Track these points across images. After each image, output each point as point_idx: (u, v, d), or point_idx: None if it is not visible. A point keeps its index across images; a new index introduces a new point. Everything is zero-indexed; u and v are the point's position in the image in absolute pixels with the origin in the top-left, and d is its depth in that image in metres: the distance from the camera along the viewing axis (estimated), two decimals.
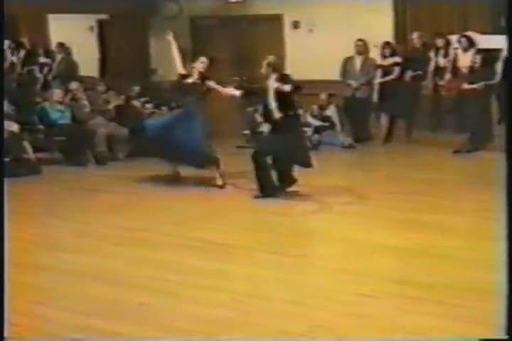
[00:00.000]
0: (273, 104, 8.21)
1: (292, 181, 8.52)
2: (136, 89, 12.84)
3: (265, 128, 9.03)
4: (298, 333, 4.58)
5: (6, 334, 4.05)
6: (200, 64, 9.17)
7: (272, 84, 8.17)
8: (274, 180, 8.43)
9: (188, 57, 9.89)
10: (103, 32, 15.42)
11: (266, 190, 8.35)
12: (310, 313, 4.89)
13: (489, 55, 11.57)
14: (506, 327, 3.70)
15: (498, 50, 11.64)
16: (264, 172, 8.34)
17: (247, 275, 5.76)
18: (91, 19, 15.11)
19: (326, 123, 12.39)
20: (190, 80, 9.18)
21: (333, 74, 12.70)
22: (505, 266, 3.73)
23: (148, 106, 12.62)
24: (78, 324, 4.79)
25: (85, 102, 11.81)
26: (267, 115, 8.44)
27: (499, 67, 11.44)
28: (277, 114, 8.20)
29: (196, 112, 9.14)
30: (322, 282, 5.59)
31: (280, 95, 8.12)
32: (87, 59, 14.60)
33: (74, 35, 14.65)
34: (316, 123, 12.36)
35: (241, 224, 7.49)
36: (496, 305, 4.83)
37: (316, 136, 12.24)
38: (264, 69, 8.38)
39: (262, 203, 8.19)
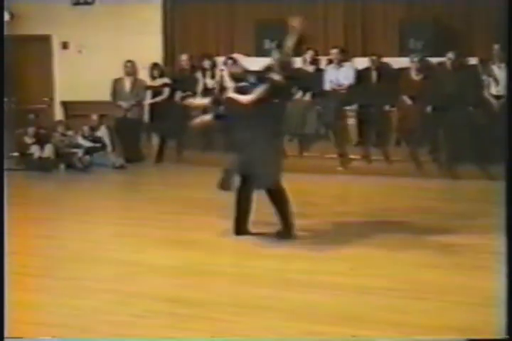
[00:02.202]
0: None
1: None
2: None
3: None
4: None
5: (6, 333, 3.96)
6: None
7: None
8: None
9: None
10: None
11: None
12: (81, 336, 4.85)
13: None
14: (506, 327, 3.83)
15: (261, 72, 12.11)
16: None
17: (20, 301, 5.63)
18: None
19: (98, 144, 12.38)
20: None
21: (104, 95, 12.73)
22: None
23: None
24: None
25: None
26: None
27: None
28: None
29: None
30: (93, 304, 5.57)
31: None
32: None
33: None
34: (87, 144, 12.31)
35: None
36: (263, 319, 5.09)
37: (87, 157, 12.20)
38: None
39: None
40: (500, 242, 6.95)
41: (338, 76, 11.84)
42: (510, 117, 4.57)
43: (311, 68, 12.02)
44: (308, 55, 12.01)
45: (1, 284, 4.09)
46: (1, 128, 8.84)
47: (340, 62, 11.91)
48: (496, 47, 10.98)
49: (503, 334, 3.95)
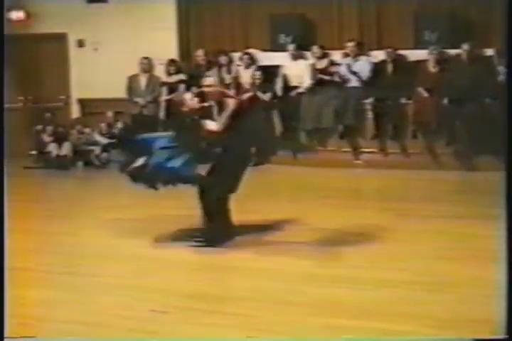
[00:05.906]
0: None
1: None
2: None
3: None
4: None
5: (6, 333, 3.96)
6: None
7: None
8: None
9: None
10: None
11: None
12: (101, 332, 4.87)
13: (269, 71, 12.04)
14: (506, 327, 3.79)
15: (277, 67, 12.14)
16: None
17: (40, 299, 5.65)
18: None
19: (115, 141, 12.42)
20: None
21: (120, 92, 12.75)
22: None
23: None
24: None
25: None
26: None
27: (279, 82, 11.92)
28: None
29: None
30: (114, 300, 5.58)
31: None
32: None
33: None
34: (105, 141, 12.35)
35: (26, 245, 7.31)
36: (283, 314, 5.10)
37: (105, 154, 12.25)
38: None
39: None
40: None
41: (354, 70, 11.80)
42: (510, 115, 4.55)
43: (324, 62, 11.99)
44: (315, 49, 11.98)
45: (1, 285, 4.10)
46: (1, 128, 8.87)
47: (356, 56, 11.87)
48: None
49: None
